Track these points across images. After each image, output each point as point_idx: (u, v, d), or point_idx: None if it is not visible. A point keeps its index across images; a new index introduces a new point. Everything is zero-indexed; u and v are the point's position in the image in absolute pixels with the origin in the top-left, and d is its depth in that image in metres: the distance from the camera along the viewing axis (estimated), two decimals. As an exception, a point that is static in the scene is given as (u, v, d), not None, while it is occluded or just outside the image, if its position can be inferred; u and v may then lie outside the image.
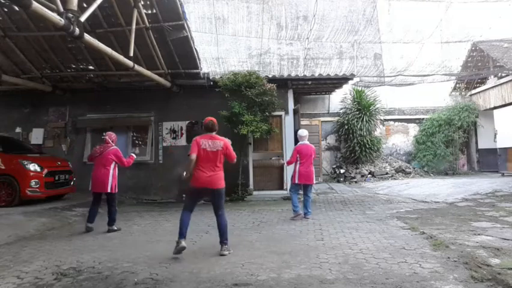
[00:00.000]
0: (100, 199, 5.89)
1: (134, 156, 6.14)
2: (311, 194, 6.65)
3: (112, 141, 5.88)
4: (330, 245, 4.51)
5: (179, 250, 4.15)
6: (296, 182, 6.45)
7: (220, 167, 4.34)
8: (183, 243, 4.16)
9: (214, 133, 4.42)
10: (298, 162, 6.44)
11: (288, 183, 9.25)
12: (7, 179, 7.48)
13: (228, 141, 4.43)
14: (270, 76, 9.62)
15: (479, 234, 4.78)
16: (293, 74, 10.25)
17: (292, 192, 6.59)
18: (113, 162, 5.79)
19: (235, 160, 4.45)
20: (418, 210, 6.98)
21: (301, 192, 6.67)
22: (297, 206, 6.42)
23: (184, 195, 4.56)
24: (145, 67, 8.30)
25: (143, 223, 6.44)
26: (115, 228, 5.78)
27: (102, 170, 5.72)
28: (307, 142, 6.59)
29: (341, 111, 13.61)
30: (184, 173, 4.37)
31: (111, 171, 5.73)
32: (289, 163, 6.78)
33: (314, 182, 6.62)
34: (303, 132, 6.71)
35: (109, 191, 5.71)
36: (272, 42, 11.86)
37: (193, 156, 4.21)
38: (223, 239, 4.31)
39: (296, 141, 8.85)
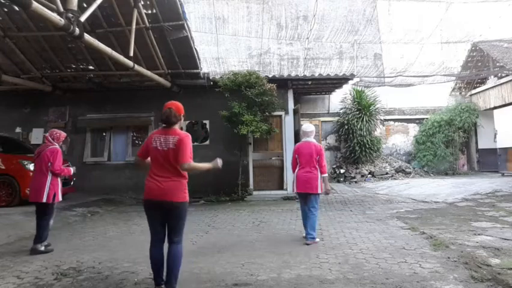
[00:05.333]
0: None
1: (71, 172, 5.13)
2: (315, 209, 4.85)
3: (53, 140, 4.76)
4: (330, 245, 4.52)
5: None
6: (295, 190, 4.98)
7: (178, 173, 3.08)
8: None
9: (174, 126, 3.12)
10: (298, 164, 4.99)
11: (288, 183, 9.26)
12: (7, 179, 7.49)
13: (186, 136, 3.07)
14: (270, 76, 9.63)
15: (479, 234, 4.78)
16: (293, 74, 10.26)
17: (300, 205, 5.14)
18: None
19: (184, 165, 2.99)
20: (418, 210, 6.98)
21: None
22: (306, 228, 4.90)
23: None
24: (145, 67, 8.30)
25: (143, 223, 6.38)
26: (42, 248, 4.40)
27: (38, 174, 4.57)
28: (311, 139, 5.04)
29: (341, 111, 13.62)
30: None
31: (49, 177, 4.53)
32: (293, 170, 5.11)
33: (319, 191, 4.83)
34: (307, 127, 5.11)
35: (44, 200, 4.44)
36: (272, 42, 11.85)
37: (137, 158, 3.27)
38: (172, 278, 3.01)
39: (296, 141, 8.86)
